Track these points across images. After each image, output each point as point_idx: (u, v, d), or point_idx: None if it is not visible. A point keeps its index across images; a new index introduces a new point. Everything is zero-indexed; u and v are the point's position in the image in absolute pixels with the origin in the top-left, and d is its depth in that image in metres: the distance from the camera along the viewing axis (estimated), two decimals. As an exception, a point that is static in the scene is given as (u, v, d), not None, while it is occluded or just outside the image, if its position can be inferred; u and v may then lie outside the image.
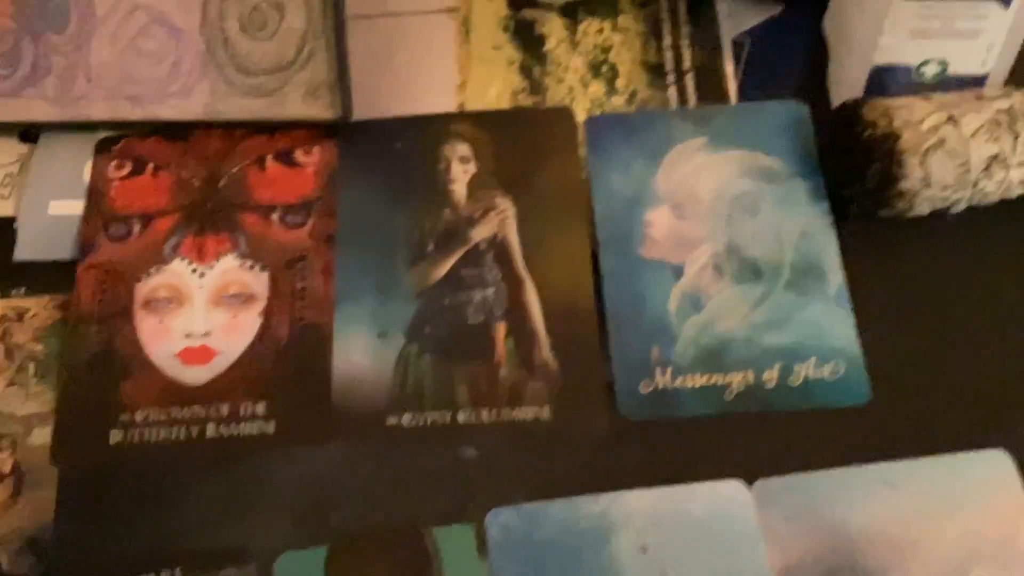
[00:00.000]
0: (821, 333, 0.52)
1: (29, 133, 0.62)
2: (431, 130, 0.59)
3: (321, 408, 0.52)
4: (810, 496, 0.48)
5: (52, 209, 0.59)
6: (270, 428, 0.52)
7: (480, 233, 0.56)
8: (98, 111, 0.60)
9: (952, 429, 0.50)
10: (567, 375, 0.52)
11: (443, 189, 0.57)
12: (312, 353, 0.53)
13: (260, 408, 0.52)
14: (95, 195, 0.59)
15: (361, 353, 0.53)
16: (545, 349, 0.53)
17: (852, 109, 0.55)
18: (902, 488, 0.48)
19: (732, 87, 0.60)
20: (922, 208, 0.54)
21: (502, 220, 0.56)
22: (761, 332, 0.53)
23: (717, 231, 0.55)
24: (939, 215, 0.55)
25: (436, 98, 0.60)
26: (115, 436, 0.52)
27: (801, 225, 0.55)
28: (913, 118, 0.53)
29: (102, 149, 0.60)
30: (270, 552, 0.48)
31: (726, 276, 0.54)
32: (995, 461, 0.49)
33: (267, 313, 0.55)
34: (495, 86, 0.61)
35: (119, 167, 0.59)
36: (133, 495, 0.50)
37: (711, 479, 0.49)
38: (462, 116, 0.60)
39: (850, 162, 0.54)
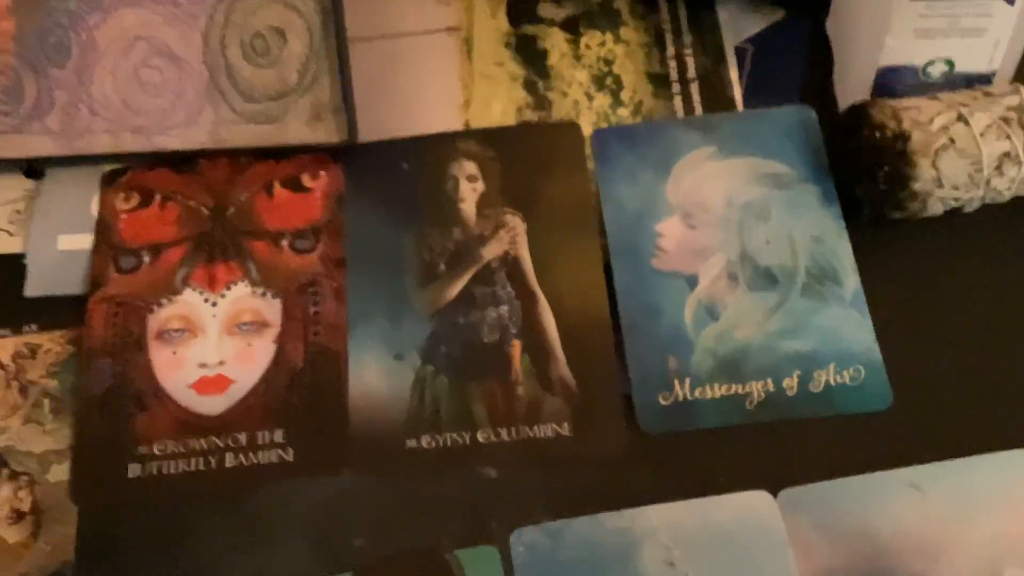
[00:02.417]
0: (839, 338, 0.52)
1: (34, 169, 0.62)
2: (437, 149, 0.59)
3: (339, 433, 0.52)
4: (836, 503, 0.48)
5: (61, 244, 0.59)
6: (288, 455, 0.51)
7: (491, 251, 0.56)
8: (103, 144, 0.60)
9: (976, 430, 0.50)
10: (585, 390, 0.52)
11: (452, 208, 0.57)
12: (328, 378, 0.53)
13: (278, 436, 0.52)
14: (103, 228, 0.58)
15: (377, 376, 0.53)
16: (562, 365, 0.52)
17: (860, 111, 0.54)
18: (929, 491, 0.48)
19: (737, 94, 0.60)
20: (935, 208, 0.54)
21: (512, 237, 0.56)
22: (779, 339, 0.52)
23: (729, 239, 0.55)
24: (953, 214, 0.55)
25: (441, 117, 0.60)
26: (133, 470, 0.51)
27: (814, 230, 0.55)
28: (922, 118, 0.53)
29: (109, 182, 0.60)
30: (294, 581, 0.48)
31: (741, 284, 0.54)
32: (1021, 461, 0.49)
33: (281, 340, 0.54)
34: (499, 102, 0.61)
35: (126, 199, 0.59)
36: (154, 529, 0.50)
37: (735, 490, 0.49)
38: (468, 134, 0.60)
39: (860, 165, 0.54)
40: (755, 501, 0.48)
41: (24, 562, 0.50)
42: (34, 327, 0.57)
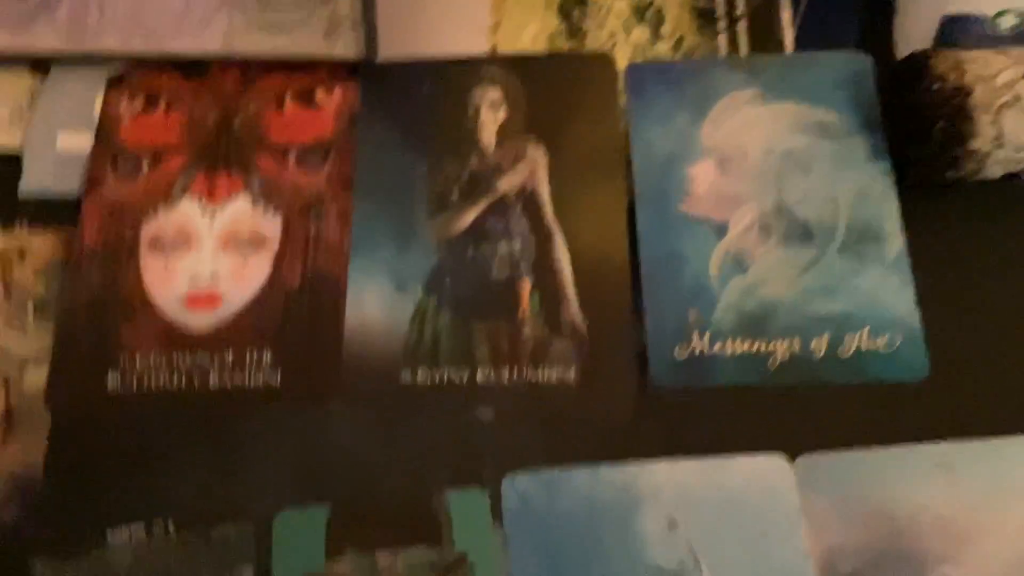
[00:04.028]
0: (876, 302, 0.48)
1: (40, 65, 0.59)
2: (460, 73, 0.55)
3: (331, 360, 0.49)
4: (858, 475, 0.44)
5: (60, 143, 0.56)
6: (276, 379, 0.48)
7: (508, 183, 0.52)
8: (111, 44, 0.57)
9: (1015, 409, 0.46)
10: (596, 336, 0.48)
11: (470, 136, 0.54)
12: (324, 303, 0.50)
13: (266, 357, 0.49)
14: (105, 130, 0.55)
15: (376, 305, 0.50)
16: (573, 307, 0.49)
17: (920, 61, 0.50)
18: (960, 471, 0.44)
19: (788, 36, 0.55)
20: (993, 171, 0.49)
21: (532, 170, 0.52)
22: (810, 298, 0.48)
23: (766, 189, 0.51)
24: (1011, 179, 0.50)
25: (467, 40, 0.57)
26: (112, 380, 0.49)
27: (858, 185, 0.51)
28: (987, 72, 0.48)
29: (114, 84, 0.57)
30: (269, 510, 0.45)
31: (774, 237, 0.50)
32: (1064, 447, 0.45)
33: (278, 259, 0.51)
34: (531, 28, 0.57)
35: (131, 102, 0.56)
36: (129, 443, 0.47)
37: (749, 453, 0.45)
38: (494, 59, 0.56)
39: (915, 118, 0.50)
40: (770, 466, 0.44)
41: (-10, 466, 0.47)
42: (24, 227, 0.54)
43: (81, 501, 0.46)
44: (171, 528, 0.44)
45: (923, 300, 0.48)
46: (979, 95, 0.48)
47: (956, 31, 0.52)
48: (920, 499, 0.43)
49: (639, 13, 0.57)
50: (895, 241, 0.49)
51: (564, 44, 0.56)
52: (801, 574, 0.42)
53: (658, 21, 0.56)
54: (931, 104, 0.49)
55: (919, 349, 0.47)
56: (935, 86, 0.49)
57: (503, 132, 0.53)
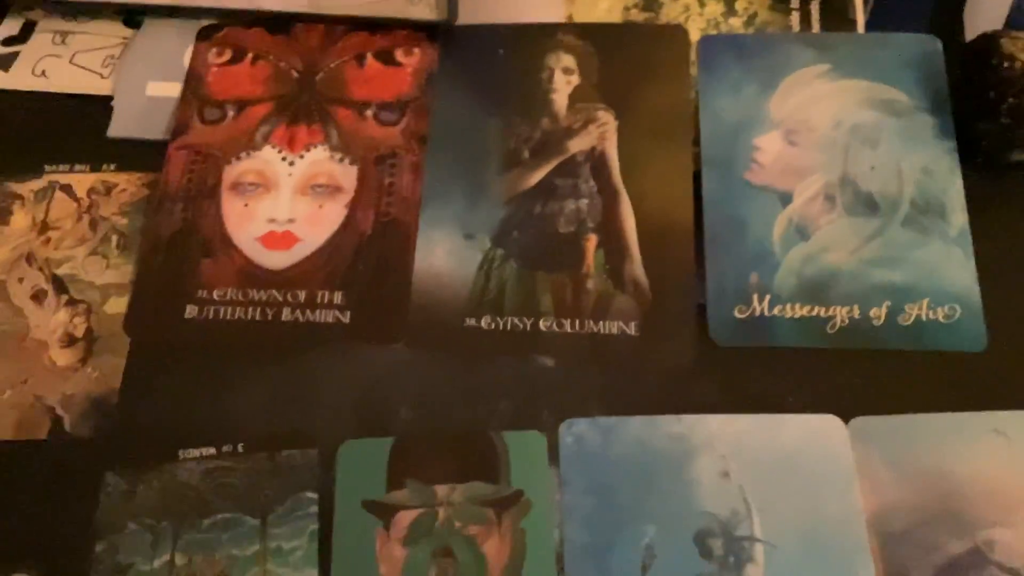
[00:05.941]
0: (937, 274, 0.49)
1: (133, 19, 0.62)
2: (536, 39, 0.57)
3: (399, 303, 0.50)
4: (912, 439, 0.45)
5: (149, 90, 0.58)
6: (346, 318, 0.50)
7: (578, 144, 0.54)
8: (204, -1, 0.59)
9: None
10: (657, 293, 0.49)
11: (543, 98, 0.55)
12: (394, 249, 0.52)
13: (337, 297, 0.51)
14: (193, 79, 0.58)
15: (444, 253, 0.51)
16: (636, 265, 0.50)
17: (990, 40, 0.51)
18: (1015, 438, 0.44)
19: (860, 18, 0.56)
20: (1059, 152, 0.50)
21: (602, 133, 0.54)
22: (871, 267, 0.49)
23: (832, 161, 0.52)
24: (1078, 161, 0.51)
25: (544, 8, 0.58)
26: (190, 311, 0.51)
27: (924, 161, 0.51)
28: (1057, 55, 0.49)
29: (204, 36, 0.59)
30: (334, 439, 0.46)
31: (838, 207, 0.51)
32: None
33: (352, 206, 0.53)
34: (607, 0, 0.58)
35: (219, 54, 0.59)
36: (202, 369, 0.49)
37: (804, 412, 0.46)
38: (569, 27, 0.57)
39: (983, 97, 0.50)
40: (824, 425, 0.45)
41: (70, 384, 0.49)
42: (113, 167, 0.56)
43: (155, 421, 0.48)
44: (240, 449, 0.46)
45: (983, 276, 0.49)
46: (1049, 77, 0.49)
47: (1028, 16, 0.53)
48: (973, 463, 0.44)
49: (714, -11, 0.58)
50: (958, 217, 0.50)
51: (638, 16, 0.58)
52: (853, 530, 0.43)
53: (732, -3, 0.58)
54: (1000, 82, 0.50)
55: (978, 322, 0.48)
56: (1004, 64, 0.50)
57: (575, 97, 0.55)
